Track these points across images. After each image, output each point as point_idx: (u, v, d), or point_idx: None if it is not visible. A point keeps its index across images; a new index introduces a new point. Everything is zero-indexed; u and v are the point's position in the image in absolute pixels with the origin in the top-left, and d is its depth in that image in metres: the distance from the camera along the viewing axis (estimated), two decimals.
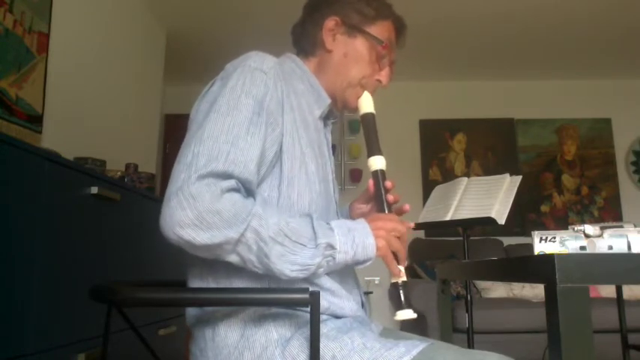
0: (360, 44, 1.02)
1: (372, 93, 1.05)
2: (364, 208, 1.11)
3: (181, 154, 0.79)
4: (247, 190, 0.79)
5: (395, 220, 0.90)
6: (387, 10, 1.06)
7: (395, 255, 0.88)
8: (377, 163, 1.00)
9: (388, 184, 1.00)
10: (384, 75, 1.05)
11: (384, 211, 0.98)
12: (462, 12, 3.44)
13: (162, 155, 4.36)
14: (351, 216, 1.13)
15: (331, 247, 0.80)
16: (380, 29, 1.03)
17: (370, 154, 1.02)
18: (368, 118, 1.03)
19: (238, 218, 0.74)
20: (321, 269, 0.81)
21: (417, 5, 3.33)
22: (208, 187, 0.73)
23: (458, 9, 3.40)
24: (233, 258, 0.77)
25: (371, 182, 1.01)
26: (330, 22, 1.01)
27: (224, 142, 0.78)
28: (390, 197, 1.00)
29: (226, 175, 0.76)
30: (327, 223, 0.83)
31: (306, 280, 0.85)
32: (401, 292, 0.91)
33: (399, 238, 0.89)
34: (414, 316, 0.89)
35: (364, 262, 0.85)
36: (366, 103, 1.03)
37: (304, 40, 1.06)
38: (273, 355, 0.80)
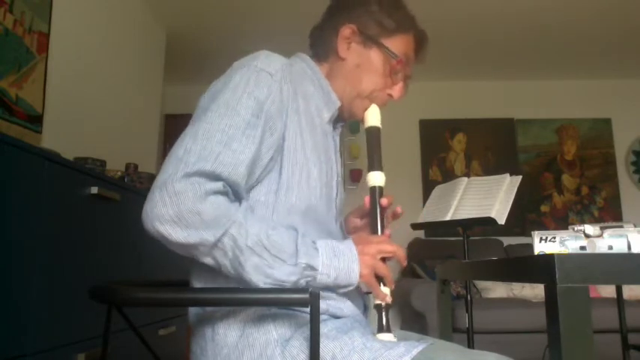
0: (374, 56, 0.98)
1: (382, 106, 1.01)
2: (358, 222, 1.07)
3: (176, 145, 0.79)
4: (235, 192, 0.79)
5: (383, 242, 0.88)
6: (409, 23, 1.02)
7: (381, 279, 0.87)
8: (375, 179, 0.97)
9: (384, 201, 0.96)
10: (397, 90, 1.01)
11: (376, 229, 0.95)
12: (463, 12, 3.44)
13: (162, 155, 4.36)
14: (346, 229, 1.09)
15: (311, 268, 0.79)
16: (398, 43, 0.99)
17: (370, 169, 0.98)
18: (373, 131, 0.99)
19: (218, 222, 0.74)
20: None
21: (417, 5, 3.32)
22: (193, 186, 0.73)
23: (458, 9, 3.40)
24: (208, 260, 0.78)
25: (367, 198, 0.97)
26: (347, 30, 0.98)
27: (217, 143, 0.77)
28: (388, 208, 0.96)
29: (214, 176, 0.75)
30: (313, 242, 0.82)
31: None
32: (383, 315, 0.87)
33: (386, 259, 0.87)
34: (395, 340, 0.85)
35: (345, 287, 0.84)
36: (373, 117, 1.00)
37: (319, 45, 1.03)
38: (273, 354, 0.79)
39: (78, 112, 2.40)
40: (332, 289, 0.84)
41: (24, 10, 1.91)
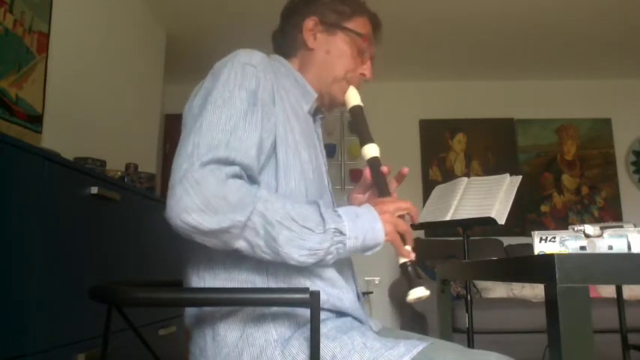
0: (340, 40, 1.05)
1: (358, 87, 1.07)
2: (362, 197, 1.10)
3: (181, 146, 0.80)
4: (249, 176, 0.81)
5: (396, 201, 0.91)
6: (361, 7, 1.09)
7: (402, 236, 0.89)
8: (371, 151, 1.02)
9: (384, 169, 1.01)
10: (367, 69, 1.08)
11: (384, 194, 0.98)
12: (462, 12, 3.44)
13: (162, 155, 4.36)
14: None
15: (340, 232, 0.81)
16: (357, 24, 1.06)
17: (363, 143, 1.03)
18: (356, 110, 1.06)
19: (244, 202, 0.75)
20: (330, 256, 0.81)
21: (417, 5, 3.33)
22: (212, 172, 0.74)
23: (458, 9, 3.40)
24: (241, 244, 0.77)
25: (367, 170, 1.02)
26: (310, 22, 1.05)
27: (223, 132, 0.79)
28: (388, 175, 1.01)
29: (229, 161, 0.77)
30: (335, 210, 0.84)
31: (306, 269, 0.85)
32: (410, 270, 0.90)
33: (403, 217, 0.90)
34: (427, 293, 0.88)
35: (374, 247, 0.85)
36: (353, 97, 1.06)
37: (285, 44, 1.08)
38: (273, 354, 0.79)
39: (78, 112, 2.40)
40: (361, 252, 0.85)
41: (24, 10, 1.91)
